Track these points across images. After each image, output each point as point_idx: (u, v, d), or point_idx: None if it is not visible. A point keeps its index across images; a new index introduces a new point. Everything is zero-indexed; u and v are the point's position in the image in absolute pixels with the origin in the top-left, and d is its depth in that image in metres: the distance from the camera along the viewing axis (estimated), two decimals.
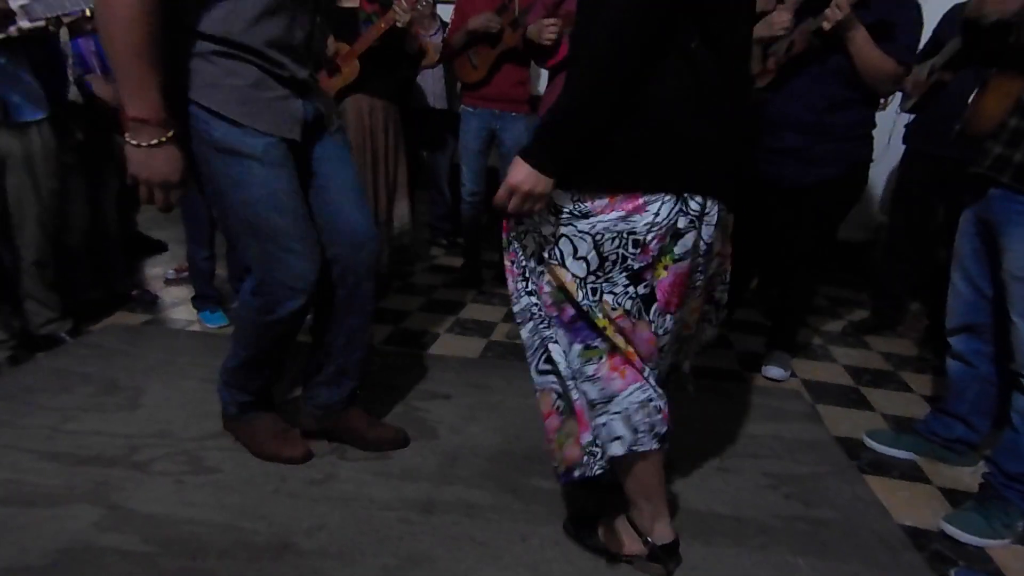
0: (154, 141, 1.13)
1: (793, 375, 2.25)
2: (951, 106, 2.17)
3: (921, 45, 2.40)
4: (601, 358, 1.13)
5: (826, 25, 1.75)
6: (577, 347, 1.14)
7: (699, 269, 1.15)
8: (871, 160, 2.03)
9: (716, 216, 1.10)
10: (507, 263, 1.21)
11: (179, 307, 2.60)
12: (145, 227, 3.37)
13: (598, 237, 1.06)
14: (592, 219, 1.05)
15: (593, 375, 1.13)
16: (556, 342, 1.16)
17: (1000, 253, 1.45)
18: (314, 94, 1.38)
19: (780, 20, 1.87)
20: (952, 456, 1.72)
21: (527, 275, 1.19)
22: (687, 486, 1.56)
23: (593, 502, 1.44)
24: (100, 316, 2.44)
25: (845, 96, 1.87)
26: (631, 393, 1.12)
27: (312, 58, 1.37)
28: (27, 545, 1.26)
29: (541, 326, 1.18)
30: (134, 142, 1.13)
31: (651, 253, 1.06)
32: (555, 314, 1.16)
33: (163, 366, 2.04)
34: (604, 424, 1.13)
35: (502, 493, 1.50)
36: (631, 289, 1.08)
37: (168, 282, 2.88)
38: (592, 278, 1.09)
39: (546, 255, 1.12)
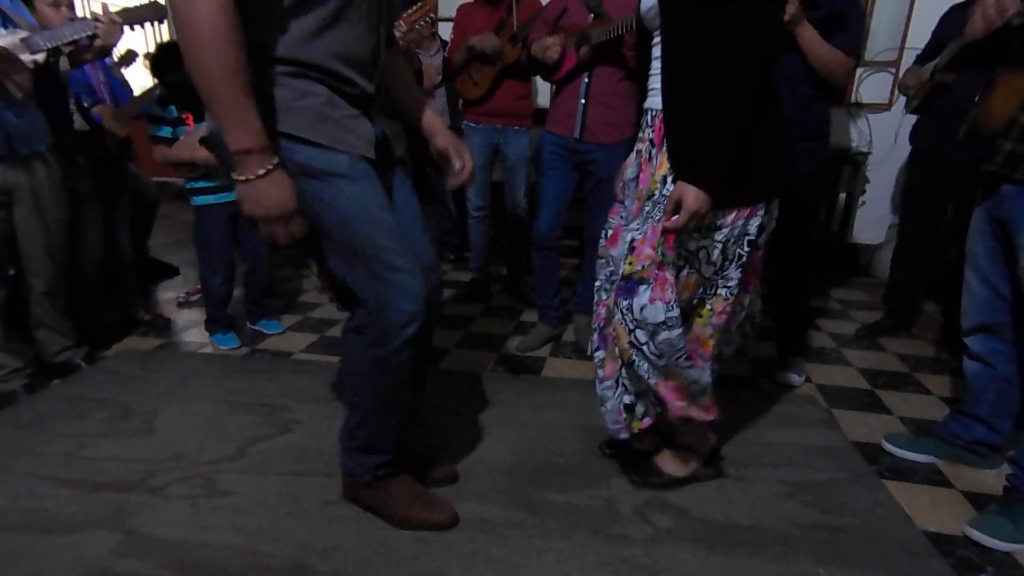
0: (262, 171, 1.04)
1: (808, 380, 2.23)
2: (956, 105, 2.16)
3: (922, 47, 2.41)
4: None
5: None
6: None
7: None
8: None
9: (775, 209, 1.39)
10: (667, 276, 1.33)
11: (191, 330, 2.62)
12: (157, 252, 3.42)
13: (728, 243, 1.32)
14: (724, 230, 1.31)
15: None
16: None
17: (1016, 251, 1.43)
18: (379, 116, 1.32)
19: None
20: (974, 458, 1.69)
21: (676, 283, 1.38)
22: (705, 496, 1.54)
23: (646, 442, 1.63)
24: (113, 341, 2.47)
25: (814, 94, 1.89)
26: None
27: (380, 73, 1.28)
28: (45, 573, 1.27)
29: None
30: (242, 178, 1.04)
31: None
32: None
33: (177, 390, 2.06)
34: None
35: (516, 508, 1.49)
36: (737, 280, 1.36)
37: (180, 305, 2.91)
38: (715, 276, 1.35)
39: (685, 265, 1.35)
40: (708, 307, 1.38)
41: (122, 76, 2.67)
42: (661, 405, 1.45)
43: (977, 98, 1.63)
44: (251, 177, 1.04)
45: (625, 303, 1.36)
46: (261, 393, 2.04)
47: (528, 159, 2.71)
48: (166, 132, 2.28)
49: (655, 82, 1.38)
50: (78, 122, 2.19)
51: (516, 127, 2.71)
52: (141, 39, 5.28)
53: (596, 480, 1.60)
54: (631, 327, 1.37)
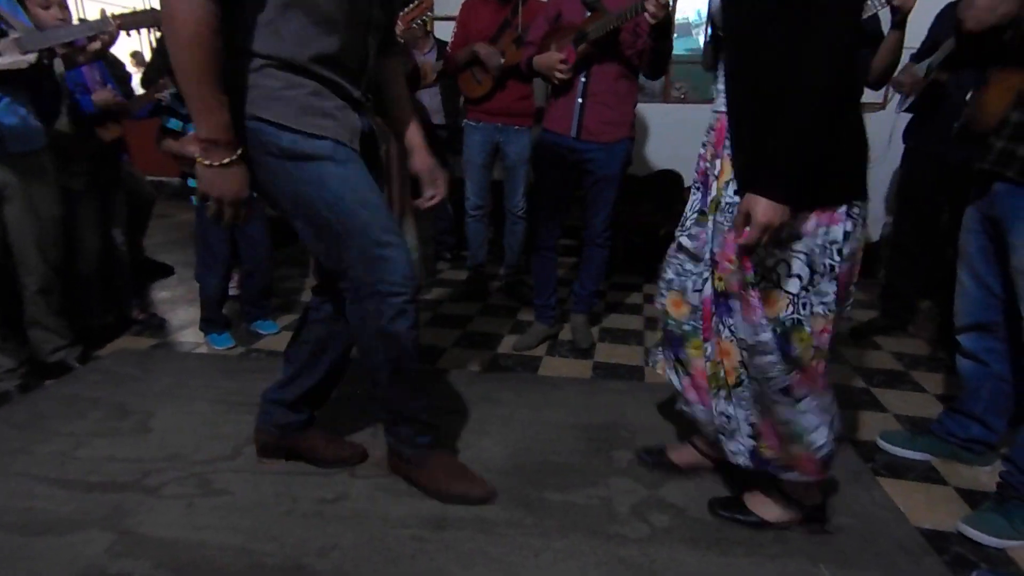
0: (226, 160, 1.16)
1: None
2: (950, 104, 2.17)
3: (917, 45, 2.42)
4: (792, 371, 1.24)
5: None
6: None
7: (856, 265, 1.26)
8: None
9: (867, 215, 1.23)
10: (750, 297, 1.22)
11: (187, 330, 2.62)
12: (152, 251, 3.40)
13: (812, 254, 1.18)
14: (805, 239, 1.17)
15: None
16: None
17: (1008, 249, 1.43)
18: (368, 113, 1.39)
19: None
20: (969, 456, 1.70)
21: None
22: (702, 496, 1.54)
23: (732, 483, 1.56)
24: (108, 341, 2.46)
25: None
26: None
27: (368, 80, 1.36)
28: (40, 573, 1.26)
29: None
30: (206, 162, 1.16)
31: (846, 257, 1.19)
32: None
33: (172, 390, 2.05)
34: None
35: (514, 507, 1.49)
36: (833, 294, 1.20)
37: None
38: (804, 292, 1.19)
39: (761, 280, 1.21)
40: (807, 329, 1.20)
41: (126, 74, 2.66)
42: (757, 439, 1.34)
43: (969, 97, 1.64)
44: (214, 164, 1.16)
45: (729, 321, 1.28)
46: (257, 393, 2.01)
47: (528, 159, 2.71)
48: (176, 124, 2.29)
49: (719, 83, 1.29)
50: (63, 124, 2.16)
51: (517, 127, 2.70)
52: (135, 41, 5.28)
53: (594, 479, 1.61)
54: (739, 346, 1.28)
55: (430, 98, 3.28)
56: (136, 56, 5.10)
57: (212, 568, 1.28)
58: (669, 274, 1.43)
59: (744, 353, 1.27)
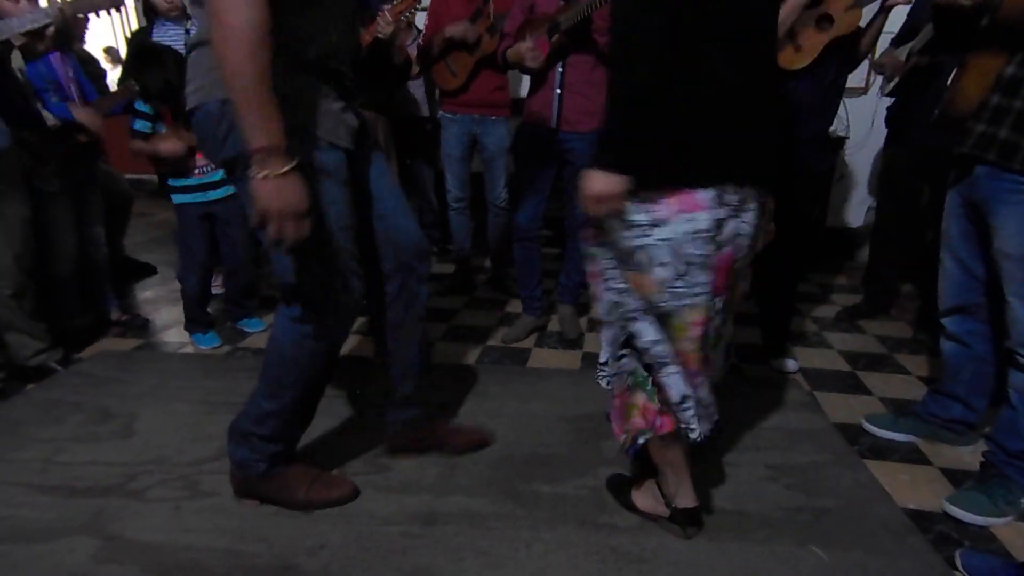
0: (284, 169, 1.07)
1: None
2: (931, 89, 2.18)
3: (896, 29, 2.43)
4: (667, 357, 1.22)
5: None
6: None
7: (740, 254, 1.20)
8: None
9: (754, 205, 1.16)
10: (593, 270, 1.27)
11: (171, 330, 2.58)
12: (133, 250, 3.35)
13: (673, 242, 1.12)
14: (667, 227, 1.12)
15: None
16: (638, 329, 1.23)
17: (990, 232, 1.45)
18: (357, 103, 1.37)
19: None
20: (952, 436, 1.72)
21: (608, 278, 1.25)
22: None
23: (637, 467, 1.51)
24: (88, 343, 2.41)
25: (837, 79, 1.98)
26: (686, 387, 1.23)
27: (354, 60, 1.35)
28: None
29: (625, 318, 1.24)
30: (262, 174, 1.06)
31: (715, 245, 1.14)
32: (637, 309, 1.22)
33: (156, 391, 2.02)
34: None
35: (503, 500, 1.49)
36: (706, 284, 1.15)
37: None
38: (674, 281, 1.15)
39: (627, 266, 1.19)
40: (681, 319, 1.18)
41: (100, 71, 2.60)
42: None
43: (949, 82, 1.64)
44: (272, 174, 1.06)
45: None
46: (243, 392, 1.98)
47: (507, 149, 2.69)
48: (144, 126, 2.25)
49: None
50: (51, 119, 2.11)
51: (494, 117, 2.68)
52: (108, 36, 5.16)
53: (583, 470, 1.61)
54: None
55: (414, 89, 3.25)
56: (110, 52, 4.99)
57: (200, 571, 1.27)
58: None
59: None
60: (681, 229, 1.11)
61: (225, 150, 1.19)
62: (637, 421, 1.29)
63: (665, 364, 1.22)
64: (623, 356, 1.30)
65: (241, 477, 1.45)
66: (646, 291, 1.18)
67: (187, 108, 1.22)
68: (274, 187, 1.07)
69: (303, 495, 1.44)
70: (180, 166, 2.26)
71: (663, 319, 1.19)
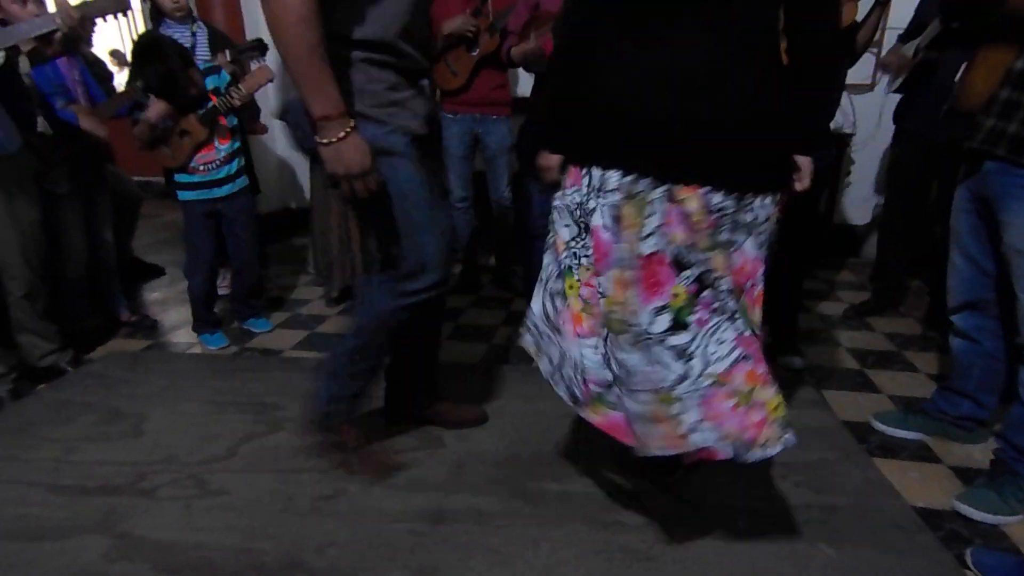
0: (342, 134, 1.18)
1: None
2: (939, 84, 2.17)
3: (903, 26, 2.41)
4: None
5: None
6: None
7: (618, 241, 1.14)
8: None
9: (619, 189, 1.12)
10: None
11: (179, 331, 2.59)
12: (141, 252, 3.37)
13: (571, 207, 1.23)
14: (564, 192, 1.24)
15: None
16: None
17: (1000, 228, 1.43)
18: (427, 89, 1.45)
19: None
20: (961, 434, 1.71)
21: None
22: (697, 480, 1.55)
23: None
24: (98, 344, 2.43)
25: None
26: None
27: (426, 46, 1.41)
28: None
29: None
30: (324, 140, 1.18)
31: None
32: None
33: (165, 391, 2.04)
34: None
35: (511, 499, 1.50)
36: (592, 252, 1.20)
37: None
38: (574, 243, 1.25)
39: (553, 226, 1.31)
40: (575, 277, 1.25)
41: (107, 73, 2.61)
42: None
43: (958, 76, 1.63)
44: (332, 140, 1.18)
45: None
46: (251, 392, 2.02)
47: (509, 148, 2.69)
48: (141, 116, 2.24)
49: None
50: (41, 124, 2.11)
51: (495, 116, 2.68)
52: (115, 38, 5.19)
53: (590, 468, 1.61)
54: None
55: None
56: (116, 55, 5.02)
57: (210, 568, 1.28)
58: None
59: None
60: (568, 198, 1.23)
61: (312, 139, 1.25)
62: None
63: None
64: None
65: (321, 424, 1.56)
66: (558, 250, 1.29)
67: (279, 104, 1.28)
68: (336, 151, 1.19)
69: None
70: (156, 134, 2.20)
71: (561, 275, 1.29)
